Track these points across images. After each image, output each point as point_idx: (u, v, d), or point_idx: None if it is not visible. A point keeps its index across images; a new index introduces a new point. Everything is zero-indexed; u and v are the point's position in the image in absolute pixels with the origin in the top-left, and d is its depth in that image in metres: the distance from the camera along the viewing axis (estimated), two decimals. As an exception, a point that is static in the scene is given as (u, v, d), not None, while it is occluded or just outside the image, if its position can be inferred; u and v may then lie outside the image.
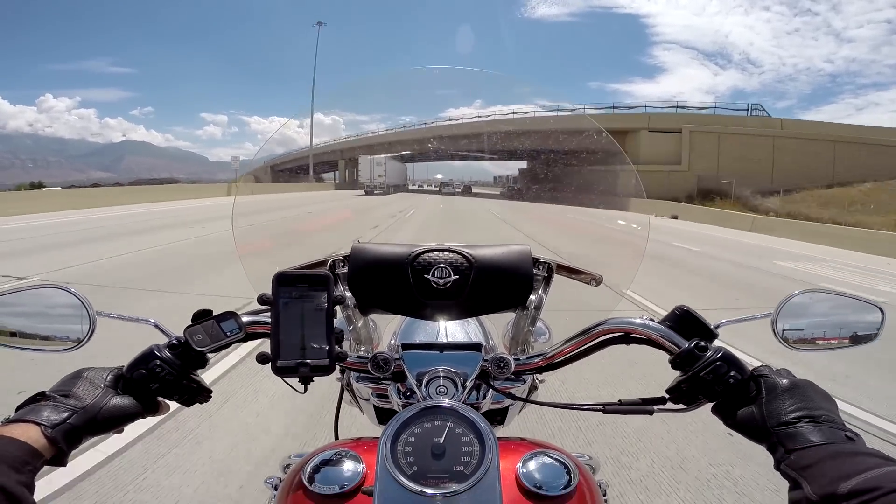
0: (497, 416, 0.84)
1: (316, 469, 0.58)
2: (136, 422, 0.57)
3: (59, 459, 0.49)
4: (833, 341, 0.68)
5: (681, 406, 0.60)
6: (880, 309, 0.67)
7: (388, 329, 0.95)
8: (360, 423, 0.89)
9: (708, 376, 0.56)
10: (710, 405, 0.59)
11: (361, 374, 0.77)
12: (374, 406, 0.82)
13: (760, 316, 0.65)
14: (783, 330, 0.65)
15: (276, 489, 0.82)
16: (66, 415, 0.50)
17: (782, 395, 0.53)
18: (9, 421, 0.49)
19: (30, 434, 0.47)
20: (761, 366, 0.58)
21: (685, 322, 0.62)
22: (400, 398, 0.73)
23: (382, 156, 3.97)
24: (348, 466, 0.57)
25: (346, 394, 0.87)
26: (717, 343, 0.60)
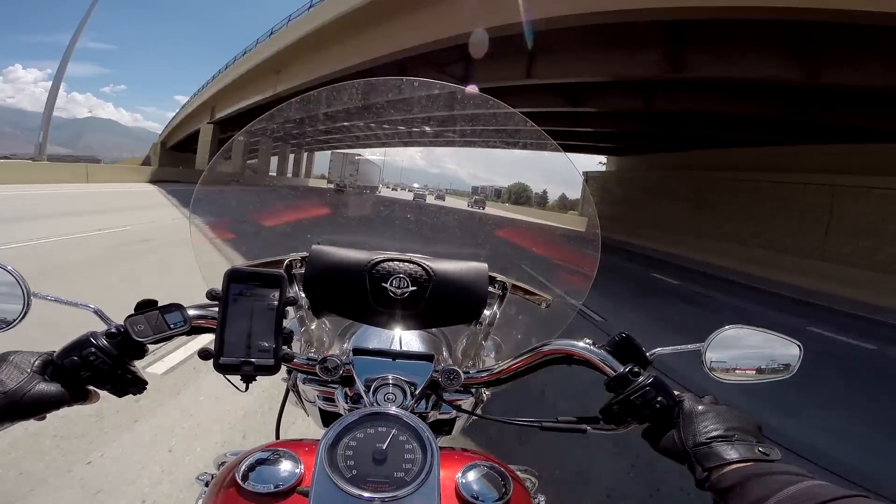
0: (444, 427, 0.85)
1: (251, 467, 0.57)
2: (60, 409, 0.55)
3: None
4: (755, 373, 0.73)
5: (611, 427, 0.63)
6: (798, 346, 0.72)
7: (342, 333, 0.95)
8: (303, 425, 0.88)
9: (637, 400, 0.59)
10: (640, 429, 0.62)
11: (309, 376, 0.76)
12: (320, 409, 0.81)
13: (693, 347, 0.69)
14: (711, 361, 0.70)
15: (207, 485, 0.79)
16: None
17: (699, 418, 0.56)
18: None
19: None
20: (685, 393, 0.61)
21: (624, 348, 0.66)
22: (347, 402, 0.72)
23: (356, 154, 3.81)
24: (285, 466, 0.57)
25: (291, 395, 0.86)
26: (650, 370, 0.64)
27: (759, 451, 0.50)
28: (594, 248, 0.93)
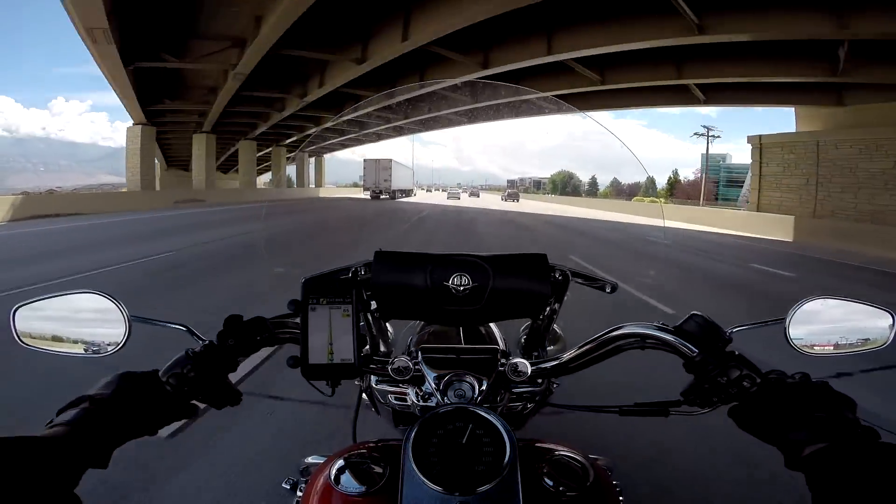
0: (514, 419, 0.86)
1: (341, 470, 0.60)
2: (170, 424, 0.59)
3: (101, 462, 0.51)
4: (844, 346, 0.69)
5: (696, 408, 0.61)
6: (892, 314, 0.68)
7: (406, 333, 0.97)
8: (374, 426, 0.91)
9: (721, 379, 0.57)
10: (725, 408, 0.60)
11: (380, 378, 0.79)
12: (393, 409, 0.84)
13: (773, 321, 0.66)
14: (794, 335, 0.67)
15: (294, 490, 0.84)
16: (106, 418, 0.52)
17: (790, 396, 0.54)
18: (52, 425, 0.50)
19: (73, 437, 0.48)
20: (774, 370, 0.59)
21: (698, 327, 0.63)
22: (419, 401, 0.75)
23: (388, 159, 3.84)
24: (372, 468, 0.59)
25: (368, 397, 0.89)
26: (730, 347, 0.61)
27: (857, 432, 0.48)
28: (662, 235, 0.92)
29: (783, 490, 1.94)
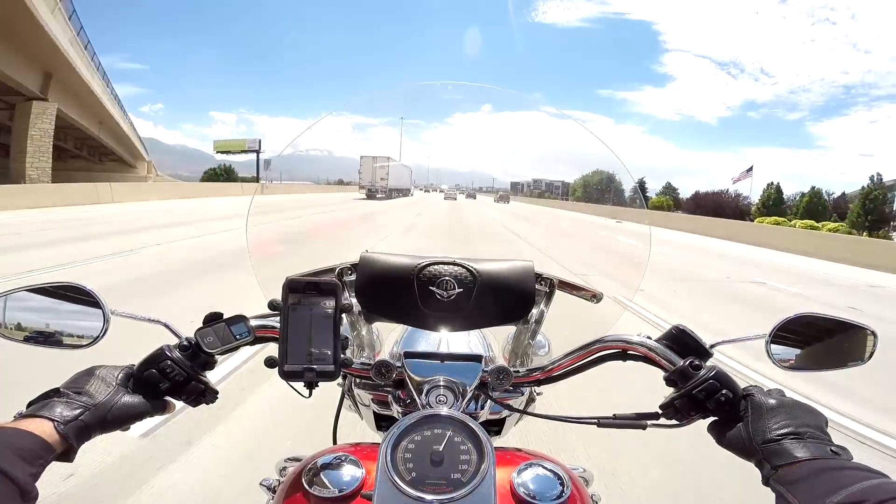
0: (495, 427, 0.85)
1: (316, 472, 0.59)
2: (143, 420, 0.58)
3: (68, 455, 0.50)
4: (825, 362, 0.70)
5: (673, 422, 0.61)
6: (872, 332, 0.68)
7: (390, 337, 0.97)
8: (357, 428, 0.90)
9: (700, 394, 0.57)
10: (703, 423, 0.60)
11: (362, 381, 0.78)
12: (374, 412, 0.83)
13: (755, 337, 0.66)
14: (775, 351, 0.67)
15: (272, 491, 0.83)
16: (77, 411, 0.51)
17: (768, 414, 0.54)
18: (22, 416, 0.50)
19: (42, 429, 0.48)
20: (751, 385, 0.59)
21: (681, 341, 0.63)
22: (400, 405, 0.74)
23: (385, 156, 3.77)
24: (348, 471, 0.59)
25: (350, 399, 0.89)
26: (711, 362, 0.61)
27: (830, 450, 0.49)
28: (645, 241, 0.93)
29: None
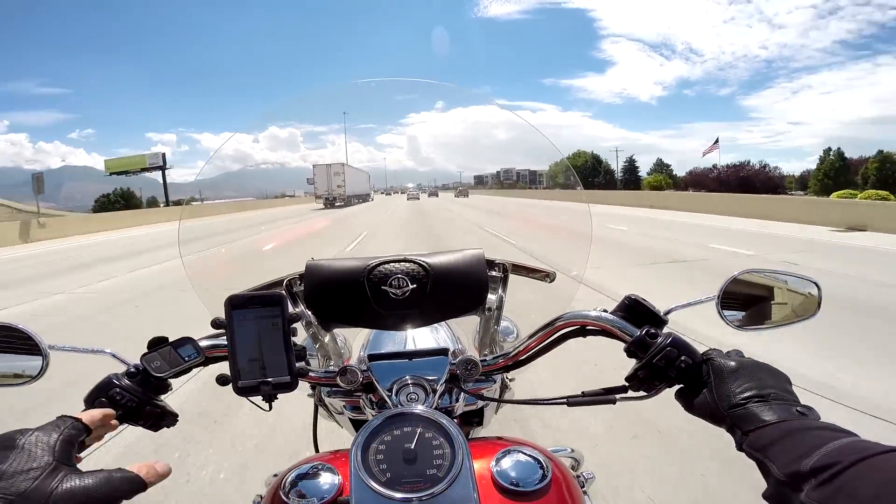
0: (475, 418, 0.85)
1: (293, 483, 0.58)
2: None
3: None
4: (777, 319, 0.70)
5: (641, 393, 0.61)
6: (815, 283, 0.69)
7: (356, 342, 0.95)
8: (341, 436, 0.89)
9: (660, 362, 0.57)
10: (671, 391, 0.60)
11: (332, 389, 0.76)
12: (350, 419, 0.82)
13: (706, 299, 0.67)
14: (726, 311, 0.67)
15: None
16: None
17: (730, 377, 0.53)
18: None
19: None
20: (711, 349, 0.59)
21: (635, 311, 0.64)
22: (374, 409, 0.73)
23: (339, 163, 3.69)
24: (325, 479, 0.58)
25: (324, 409, 0.87)
26: (666, 329, 0.62)
27: (797, 410, 0.48)
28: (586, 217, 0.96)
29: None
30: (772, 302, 0.71)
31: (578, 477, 0.82)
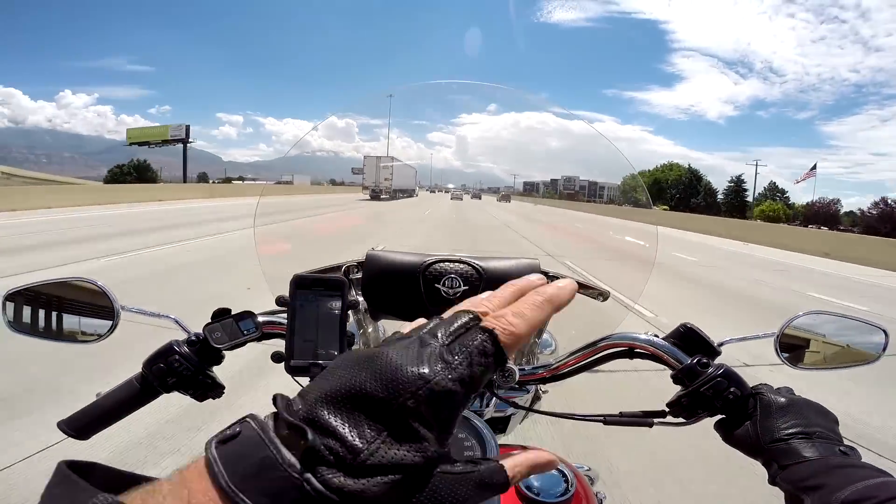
0: (499, 425, 0.85)
1: None
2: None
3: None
4: (834, 361, 0.69)
5: (680, 420, 0.60)
6: (884, 331, 0.67)
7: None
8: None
9: (708, 392, 0.56)
10: (710, 421, 0.59)
11: None
12: None
13: (764, 335, 0.66)
14: (785, 350, 0.66)
15: None
16: None
17: (777, 413, 0.53)
18: None
19: None
20: (760, 384, 0.58)
21: (688, 339, 0.63)
22: None
23: (389, 156, 3.71)
24: None
25: None
26: (718, 360, 0.61)
27: (839, 450, 0.48)
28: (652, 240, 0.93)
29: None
30: (832, 343, 0.69)
31: (597, 494, 0.80)
